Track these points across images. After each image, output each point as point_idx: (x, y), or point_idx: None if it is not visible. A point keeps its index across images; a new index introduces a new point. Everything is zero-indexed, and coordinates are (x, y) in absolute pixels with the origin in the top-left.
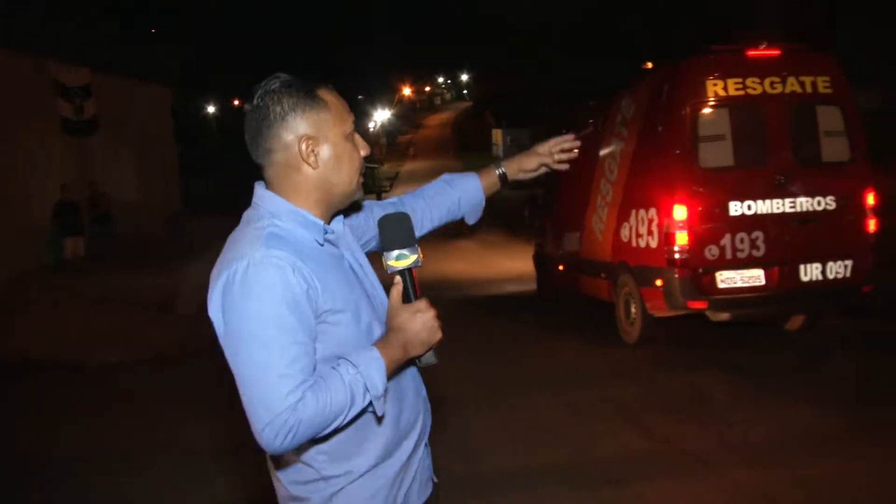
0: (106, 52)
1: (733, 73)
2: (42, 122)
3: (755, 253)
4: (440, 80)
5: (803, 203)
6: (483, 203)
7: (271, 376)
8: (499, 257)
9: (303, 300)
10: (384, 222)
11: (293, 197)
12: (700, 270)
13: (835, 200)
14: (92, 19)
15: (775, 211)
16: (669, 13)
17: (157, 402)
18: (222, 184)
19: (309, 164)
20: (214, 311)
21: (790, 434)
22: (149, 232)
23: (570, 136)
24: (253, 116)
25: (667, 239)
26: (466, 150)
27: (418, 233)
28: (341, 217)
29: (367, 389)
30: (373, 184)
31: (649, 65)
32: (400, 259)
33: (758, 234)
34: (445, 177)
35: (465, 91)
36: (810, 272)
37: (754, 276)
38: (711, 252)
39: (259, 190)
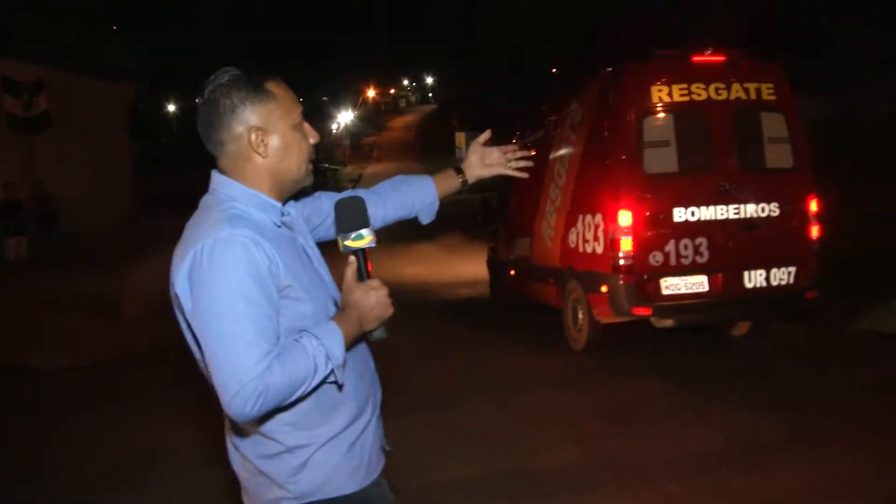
0: (61, 49)
1: (678, 79)
2: None
3: (699, 259)
4: (405, 82)
5: (747, 210)
6: (437, 204)
7: (240, 346)
8: (457, 261)
9: (266, 274)
10: (341, 204)
11: (247, 183)
12: (645, 277)
13: (778, 207)
14: (51, 14)
15: (719, 217)
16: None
17: (118, 405)
18: (181, 182)
19: (259, 154)
20: (182, 288)
21: (730, 443)
22: (99, 231)
23: (513, 147)
24: (204, 109)
25: (612, 245)
26: (430, 153)
27: None
28: (293, 203)
29: (328, 359)
30: (335, 185)
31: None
32: (356, 239)
33: (702, 240)
34: (400, 177)
35: (430, 94)
36: (754, 279)
37: (698, 283)
38: (656, 258)
39: (216, 176)
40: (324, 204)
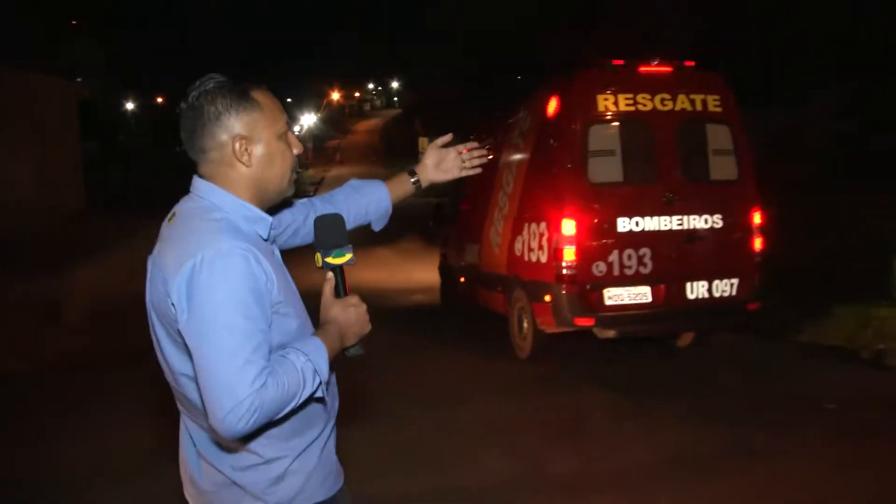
0: (5, 43)
1: (624, 89)
2: None
3: (642, 270)
4: (371, 86)
5: (691, 221)
6: (390, 210)
7: (238, 362)
8: (413, 266)
9: (263, 290)
10: (322, 222)
11: (230, 192)
12: (588, 287)
13: (722, 219)
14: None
15: (663, 228)
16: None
17: (59, 411)
18: (136, 181)
19: (242, 163)
20: (178, 299)
21: (664, 457)
22: (43, 232)
23: (474, 144)
24: (188, 115)
25: (555, 254)
26: (394, 157)
27: None
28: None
29: (315, 374)
30: (297, 188)
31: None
32: (337, 256)
33: (645, 250)
34: (354, 183)
35: (395, 98)
36: (697, 290)
37: (641, 294)
38: (599, 268)
39: (200, 183)
40: (284, 215)
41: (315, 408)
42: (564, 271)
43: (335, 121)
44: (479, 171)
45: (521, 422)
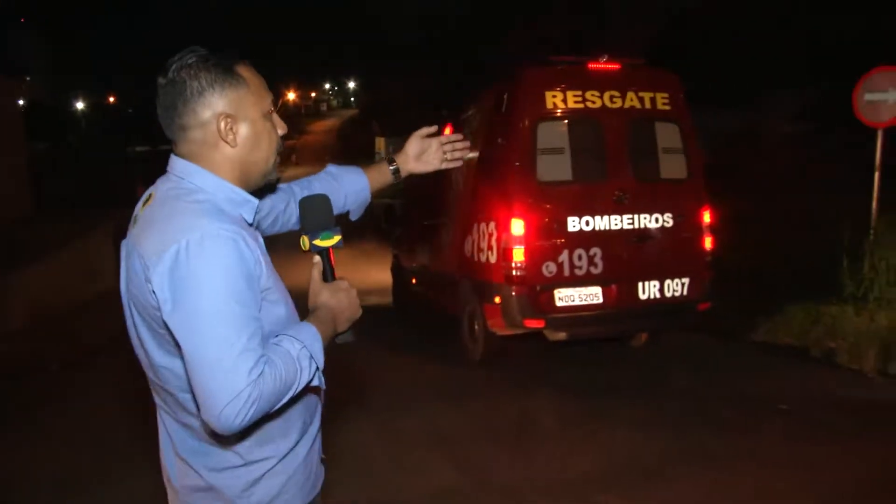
0: None
1: (573, 86)
2: None
3: (593, 270)
4: (327, 86)
5: (642, 220)
6: (369, 200)
7: (235, 352)
8: (369, 267)
9: (254, 274)
10: (308, 203)
11: (213, 173)
12: (538, 288)
13: (672, 218)
14: None
15: (614, 227)
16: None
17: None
18: (86, 183)
19: (227, 143)
20: (160, 287)
21: (613, 463)
22: None
23: (458, 136)
24: (167, 91)
25: (504, 254)
26: (351, 158)
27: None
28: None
29: (311, 362)
30: None
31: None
32: (325, 238)
33: (596, 250)
34: (332, 169)
35: (352, 98)
36: (648, 290)
37: (592, 294)
38: (549, 269)
39: (179, 163)
40: (263, 201)
41: (297, 406)
42: (514, 272)
43: (291, 121)
44: (459, 163)
45: (466, 428)
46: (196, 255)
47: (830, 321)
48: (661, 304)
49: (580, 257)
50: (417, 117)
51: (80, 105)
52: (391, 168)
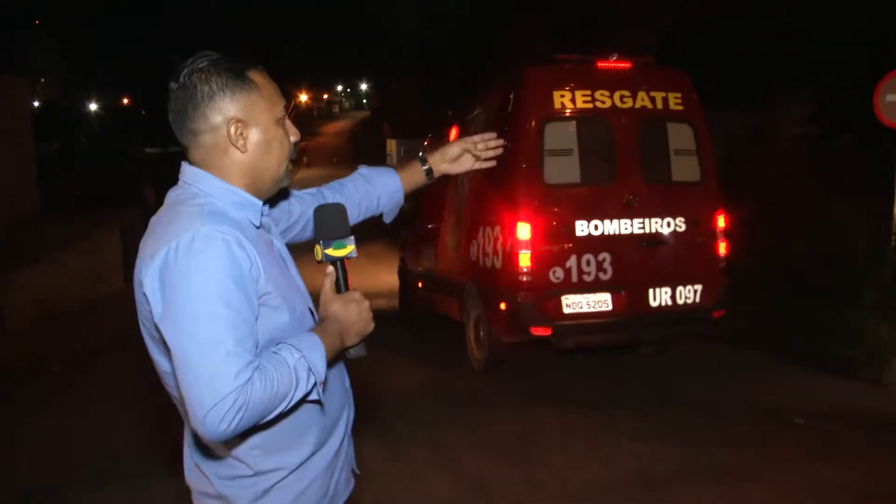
0: None
1: (582, 85)
2: None
3: (602, 276)
4: (339, 88)
5: (652, 224)
6: (402, 202)
7: (219, 356)
8: (377, 270)
9: (248, 277)
10: (322, 211)
11: (223, 179)
12: (544, 294)
13: (685, 222)
14: None
15: (623, 232)
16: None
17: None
18: (95, 183)
19: (237, 148)
20: (151, 289)
21: (617, 477)
22: None
23: (492, 134)
24: (178, 95)
25: (510, 259)
26: (362, 160)
27: None
28: (267, 206)
29: (310, 373)
30: None
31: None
32: (337, 248)
33: (605, 255)
34: (364, 171)
35: (364, 100)
36: (660, 297)
37: (601, 301)
38: (556, 275)
39: (188, 169)
40: (292, 206)
41: (312, 416)
42: (519, 277)
43: (303, 123)
44: (493, 163)
45: (468, 440)
46: (185, 257)
47: (849, 330)
48: (673, 312)
49: (588, 263)
50: (431, 118)
51: (93, 106)
52: (424, 168)
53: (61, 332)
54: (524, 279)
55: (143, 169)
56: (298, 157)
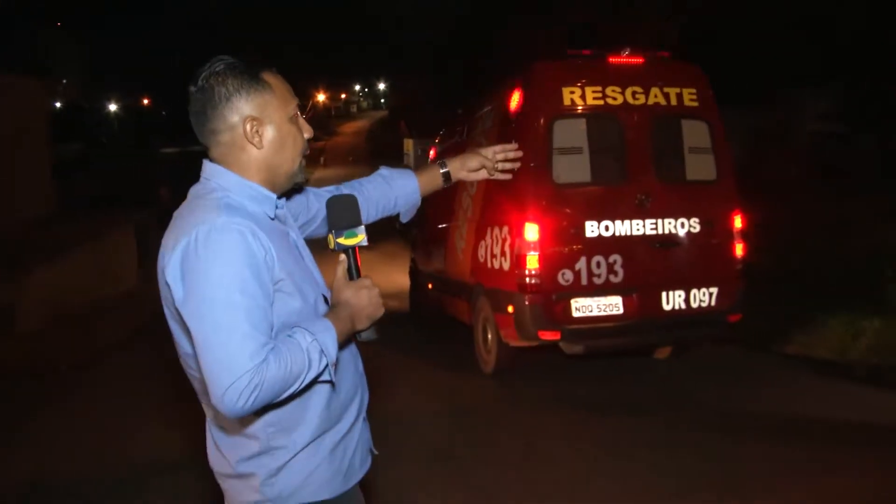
0: None
1: (592, 81)
2: None
3: (613, 278)
4: (357, 87)
5: (666, 225)
6: (419, 203)
7: (236, 338)
8: (391, 270)
9: (263, 266)
10: (334, 202)
11: (241, 174)
12: (553, 297)
13: (699, 222)
14: None
15: (635, 233)
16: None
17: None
18: (114, 183)
19: (254, 145)
20: (173, 277)
21: (627, 487)
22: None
23: (513, 146)
24: (198, 97)
25: (518, 261)
26: (379, 159)
27: None
28: (283, 199)
29: (322, 355)
30: None
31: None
32: (349, 237)
33: (616, 257)
34: (384, 172)
35: (382, 100)
36: (673, 300)
37: (612, 304)
38: (565, 277)
39: (208, 166)
40: (311, 202)
41: (324, 396)
42: (527, 280)
43: (321, 123)
44: (509, 176)
45: (473, 448)
46: (203, 247)
47: (874, 335)
48: (687, 316)
49: (599, 265)
50: (448, 117)
51: (113, 107)
52: (442, 171)
53: (73, 333)
54: (532, 282)
55: (162, 169)
56: (316, 157)
